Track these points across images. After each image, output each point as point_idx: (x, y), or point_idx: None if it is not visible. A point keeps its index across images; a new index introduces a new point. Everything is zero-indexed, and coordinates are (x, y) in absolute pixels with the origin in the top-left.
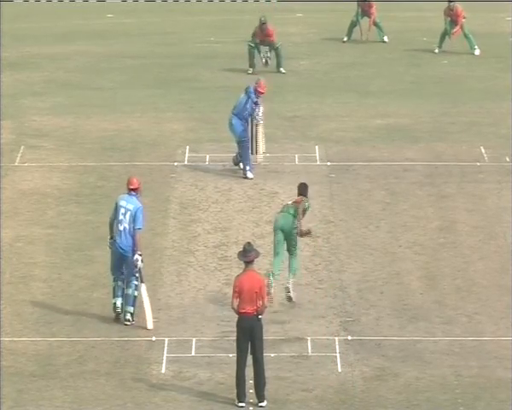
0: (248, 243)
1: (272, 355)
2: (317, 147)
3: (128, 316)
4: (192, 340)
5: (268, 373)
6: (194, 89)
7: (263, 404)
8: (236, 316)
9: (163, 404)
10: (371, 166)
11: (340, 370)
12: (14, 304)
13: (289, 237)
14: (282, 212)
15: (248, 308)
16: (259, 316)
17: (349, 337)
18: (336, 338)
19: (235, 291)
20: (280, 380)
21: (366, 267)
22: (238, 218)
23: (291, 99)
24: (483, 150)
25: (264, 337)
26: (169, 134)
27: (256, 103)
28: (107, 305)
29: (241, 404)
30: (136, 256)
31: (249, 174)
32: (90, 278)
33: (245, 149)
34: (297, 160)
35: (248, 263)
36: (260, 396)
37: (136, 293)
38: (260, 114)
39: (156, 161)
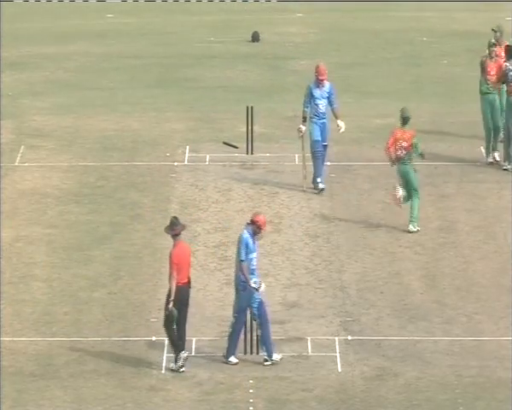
0: (175, 216)
1: None
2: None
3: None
4: (192, 340)
5: (268, 373)
6: (194, 89)
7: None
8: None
9: (163, 404)
10: (371, 166)
11: (340, 370)
12: (14, 304)
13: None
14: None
15: (185, 278)
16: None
17: (349, 337)
18: (336, 338)
19: (173, 264)
20: (280, 380)
21: (366, 267)
22: (238, 218)
23: (291, 99)
24: (483, 150)
25: None
26: (169, 134)
27: (318, 86)
28: (107, 305)
29: (184, 354)
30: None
31: (321, 185)
32: (90, 278)
33: (315, 159)
34: (297, 160)
35: (176, 236)
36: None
37: (259, 332)
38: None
39: (156, 161)
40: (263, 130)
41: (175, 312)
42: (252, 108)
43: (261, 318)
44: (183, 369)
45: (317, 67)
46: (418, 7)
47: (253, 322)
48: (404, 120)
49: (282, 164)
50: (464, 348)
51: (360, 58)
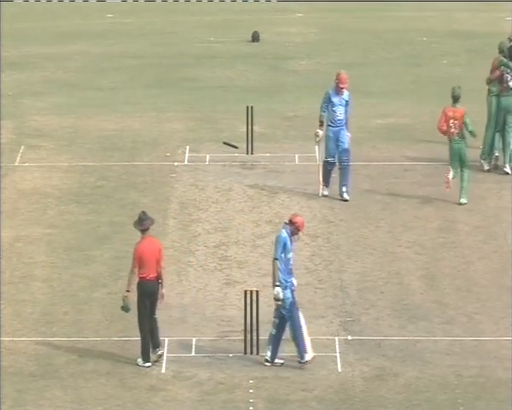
0: (143, 211)
1: None
2: (316, 147)
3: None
4: (192, 340)
5: (268, 373)
6: (194, 89)
7: (162, 351)
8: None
9: (163, 404)
10: (371, 166)
11: (340, 370)
12: (14, 304)
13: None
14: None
15: (151, 273)
16: (160, 280)
17: (349, 337)
18: (336, 338)
19: (135, 258)
20: (280, 380)
21: (366, 267)
22: (238, 218)
23: (291, 99)
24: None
25: (264, 337)
26: (169, 134)
27: (338, 94)
28: (107, 305)
29: (148, 364)
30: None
31: (325, 192)
32: (90, 278)
33: (347, 170)
34: (297, 160)
35: (144, 230)
36: (158, 344)
37: (273, 331)
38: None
39: (156, 161)
40: (263, 130)
41: (129, 305)
42: (252, 108)
43: (282, 319)
44: (148, 364)
45: (339, 75)
46: (418, 7)
47: (255, 322)
48: (455, 98)
49: (282, 164)
50: (464, 348)
51: (360, 58)
